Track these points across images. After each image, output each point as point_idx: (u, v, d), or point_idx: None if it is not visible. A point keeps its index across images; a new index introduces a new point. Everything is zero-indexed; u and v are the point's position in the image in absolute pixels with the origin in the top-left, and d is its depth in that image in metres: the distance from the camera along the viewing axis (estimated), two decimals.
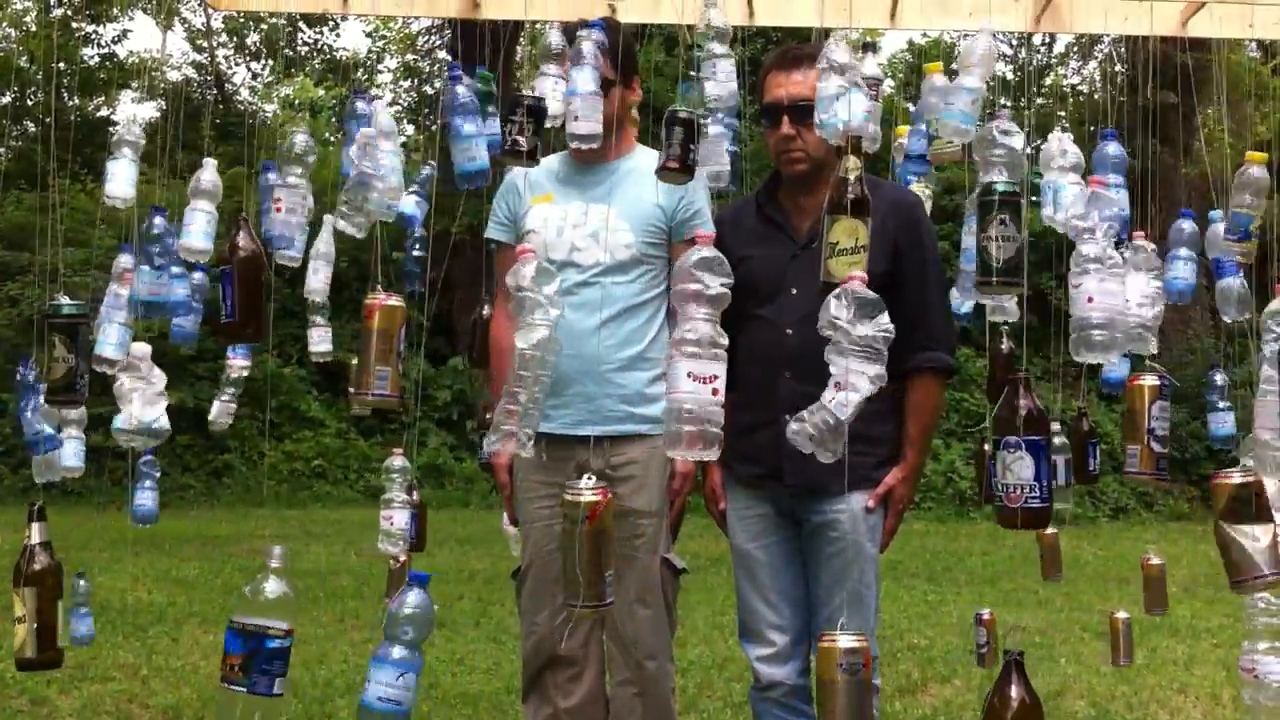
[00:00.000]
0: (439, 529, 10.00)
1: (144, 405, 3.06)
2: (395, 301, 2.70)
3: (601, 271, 3.17)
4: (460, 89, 3.03)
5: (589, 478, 2.26)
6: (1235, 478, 2.38)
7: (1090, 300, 2.43)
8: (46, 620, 2.66)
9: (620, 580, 3.16)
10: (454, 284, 11.06)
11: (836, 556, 3.02)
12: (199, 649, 5.77)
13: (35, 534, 2.71)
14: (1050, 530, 3.88)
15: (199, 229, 3.08)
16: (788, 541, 3.12)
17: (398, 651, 2.37)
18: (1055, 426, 3.97)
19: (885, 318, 2.16)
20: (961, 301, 3.48)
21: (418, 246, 3.91)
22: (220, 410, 4.01)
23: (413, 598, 2.41)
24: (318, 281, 3.62)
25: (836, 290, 2.17)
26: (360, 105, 3.12)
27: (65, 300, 2.70)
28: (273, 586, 2.39)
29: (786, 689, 3.11)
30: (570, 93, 2.59)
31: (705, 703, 4.99)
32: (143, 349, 3.09)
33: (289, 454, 12.95)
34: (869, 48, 2.76)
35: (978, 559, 9.31)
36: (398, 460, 3.31)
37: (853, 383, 2.14)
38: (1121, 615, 3.66)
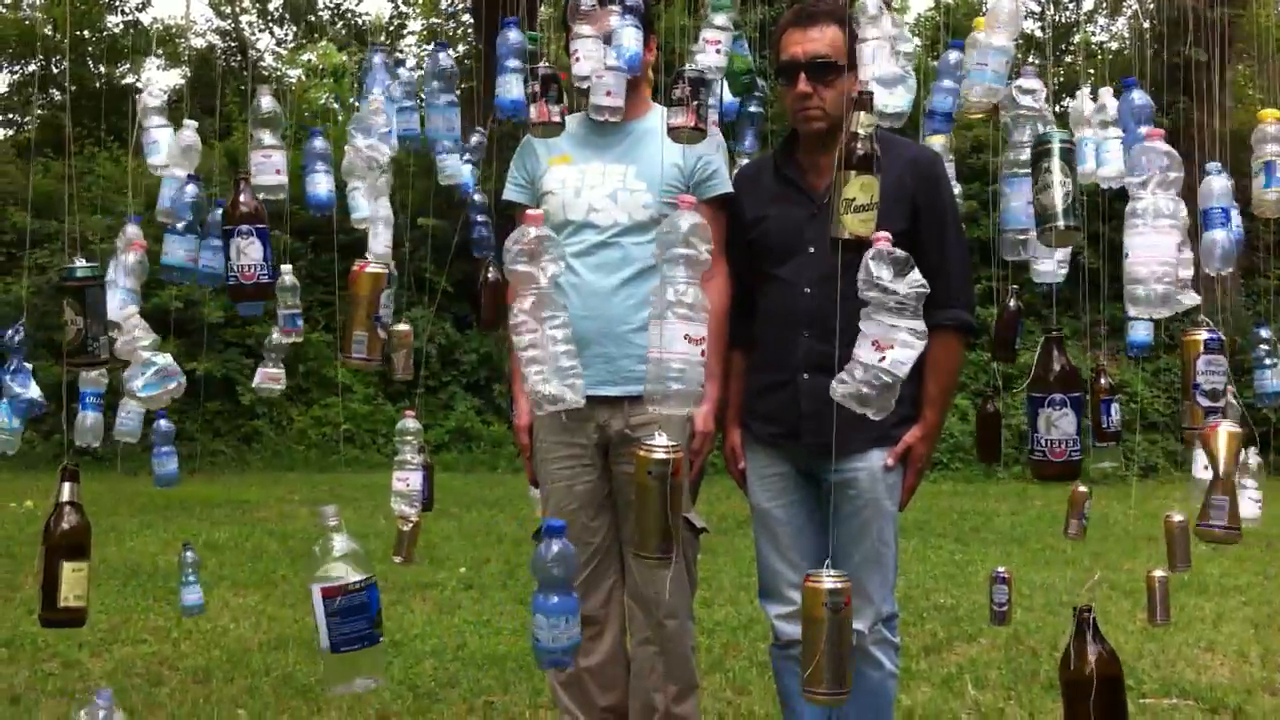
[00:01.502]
0: (466, 492, 10.08)
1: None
2: (374, 268, 2.77)
3: (620, 232, 3.17)
4: (513, 33, 3.05)
5: (660, 434, 2.27)
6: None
7: (1128, 255, 2.44)
8: (49, 578, 2.69)
9: None
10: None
11: (855, 515, 3.02)
12: (229, 612, 5.84)
13: (63, 493, 2.73)
14: (1082, 488, 3.88)
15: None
16: (807, 500, 3.12)
17: (555, 597, 2.47)
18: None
19: (916, 274, 2.19)
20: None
21: (481, 214, 3.89)
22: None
23: (555, 548, 2.51)
24: (380, 245, 3.47)
25: (873, 251, 2.17)
26: (377, 60, 3.13)
27: (80, 264, 2.70)
28: (341, 543, 2.51)
29: None
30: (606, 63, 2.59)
31: (730, 662, 5.02)
32: (127, 312, 3.01)
33: (318, 419, 13.03)
34: (886, 7, 2.74)
35: (1005, 519, 9.30)
36: (411, 422, 3.32)
37: (903, 340, 2.19)
38: (1158, 574, 3.65)
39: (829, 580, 2.17)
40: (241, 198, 2.82)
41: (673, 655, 3.24)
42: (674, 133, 2.46)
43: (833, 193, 2.25)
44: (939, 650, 5.27)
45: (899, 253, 2.17)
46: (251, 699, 4.47)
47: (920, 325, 2.21)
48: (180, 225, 3.15)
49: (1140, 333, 3.66)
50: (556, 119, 2.55)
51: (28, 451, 11.38)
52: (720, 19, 2.59)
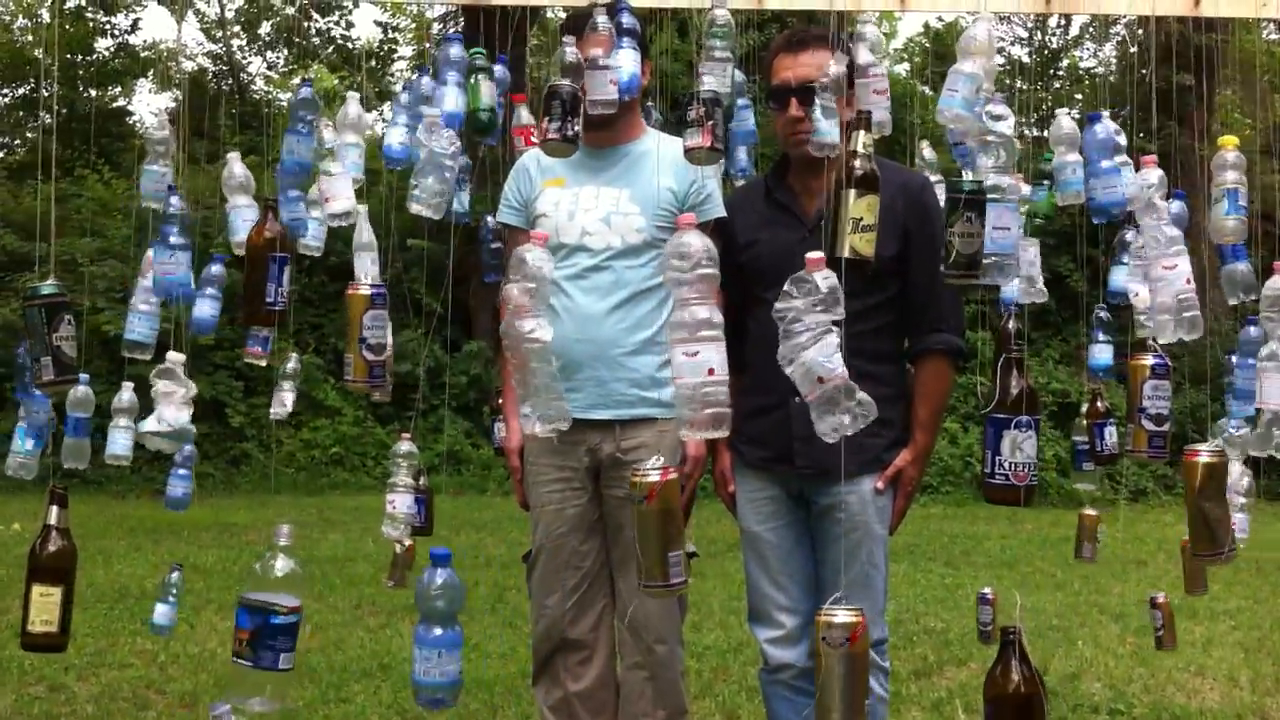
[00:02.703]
0: (456, 515, 10.04)
1: (175, 409, 3.10)
2: (360, 289, 2.79)
3: (613, 255, 3.17)
4: (453, 74, 3.06)
5: (658, 458, 2.25)
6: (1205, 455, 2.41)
7: (1188, 282, 2.46)
8: (26, 602, 2.69)
9: (631, 564, 3.18)
10: (469, 270, 11.07)
11: (845, 538, 3.02)
12: (216, 635, 5.80)
13: (50, 517, 2.73)
14: (1093, 511, 3.89)
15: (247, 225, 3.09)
16: (797, 524, 3.12)
17: (437, 630, 2.43)
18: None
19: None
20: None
21: (493, 238, 3.89)
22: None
23: (440, 577, 2.46)
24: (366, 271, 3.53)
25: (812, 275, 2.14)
26: (425, 82, 3.14)
27: (46, 284, 2.70)
28: (281, 564, 2.46)
29: (796, 671, 3.11)
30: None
31: (720, 687, 5.01)
32: (177, 357, 3.11)
33: (306, 442, 12.99)
34: (858, 38, 2.74)
35: (995, 542, 9.30)
36: (405, 445, 3.32)
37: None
38: (1162, 598, 3.67)
39: (838, 614, 2.10)
40: (269, 224, 2.83)
41: (662, 680, 3.23)
42: (691, 153, 2.46)
43: (836, 212, 2.24)
44: (929, 674, 5.27)
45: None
46: None
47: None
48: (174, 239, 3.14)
49: (1105, 356, 3.69)
50: (553, 135, 2.53)
51: None
52: (719, 50, 2.59)
